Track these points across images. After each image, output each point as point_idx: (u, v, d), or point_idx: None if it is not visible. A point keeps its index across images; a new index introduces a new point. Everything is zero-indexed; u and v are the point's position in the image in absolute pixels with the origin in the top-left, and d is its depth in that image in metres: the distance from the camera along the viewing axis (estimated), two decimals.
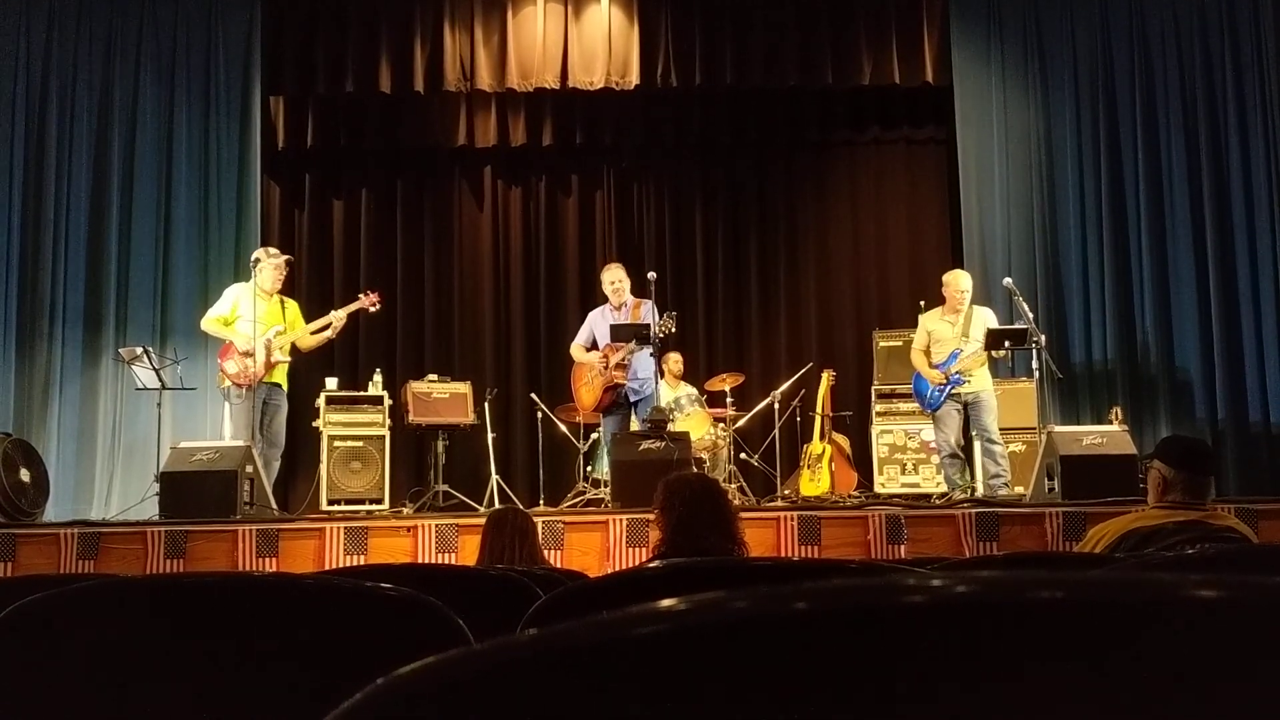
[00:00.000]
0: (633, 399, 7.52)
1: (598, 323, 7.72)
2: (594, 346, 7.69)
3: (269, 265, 7.58)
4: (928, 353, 7.74)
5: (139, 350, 7.81)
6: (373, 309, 8.00)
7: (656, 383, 7.61)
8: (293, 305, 7.81)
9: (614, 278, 7.67)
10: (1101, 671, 0.50)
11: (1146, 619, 0.50)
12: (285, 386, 7.67)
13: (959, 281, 7.82)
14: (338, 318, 7.61)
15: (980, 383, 7.62)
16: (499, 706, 0.52)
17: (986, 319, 7.70)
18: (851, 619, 0.50)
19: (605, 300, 7.79)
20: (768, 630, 0.50)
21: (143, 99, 9.19)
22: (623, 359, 7.37)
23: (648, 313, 7.51)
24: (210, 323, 7.61)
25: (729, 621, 0.50)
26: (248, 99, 9.23)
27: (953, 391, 7.58)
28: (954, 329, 7.68)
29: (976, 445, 7.89)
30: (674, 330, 7.45)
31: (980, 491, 7.58)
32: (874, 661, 0.50)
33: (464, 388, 8.48)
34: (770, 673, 0.50)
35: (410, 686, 0.52)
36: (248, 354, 7.33)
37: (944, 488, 7.96)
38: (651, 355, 7.35)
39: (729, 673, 0.50)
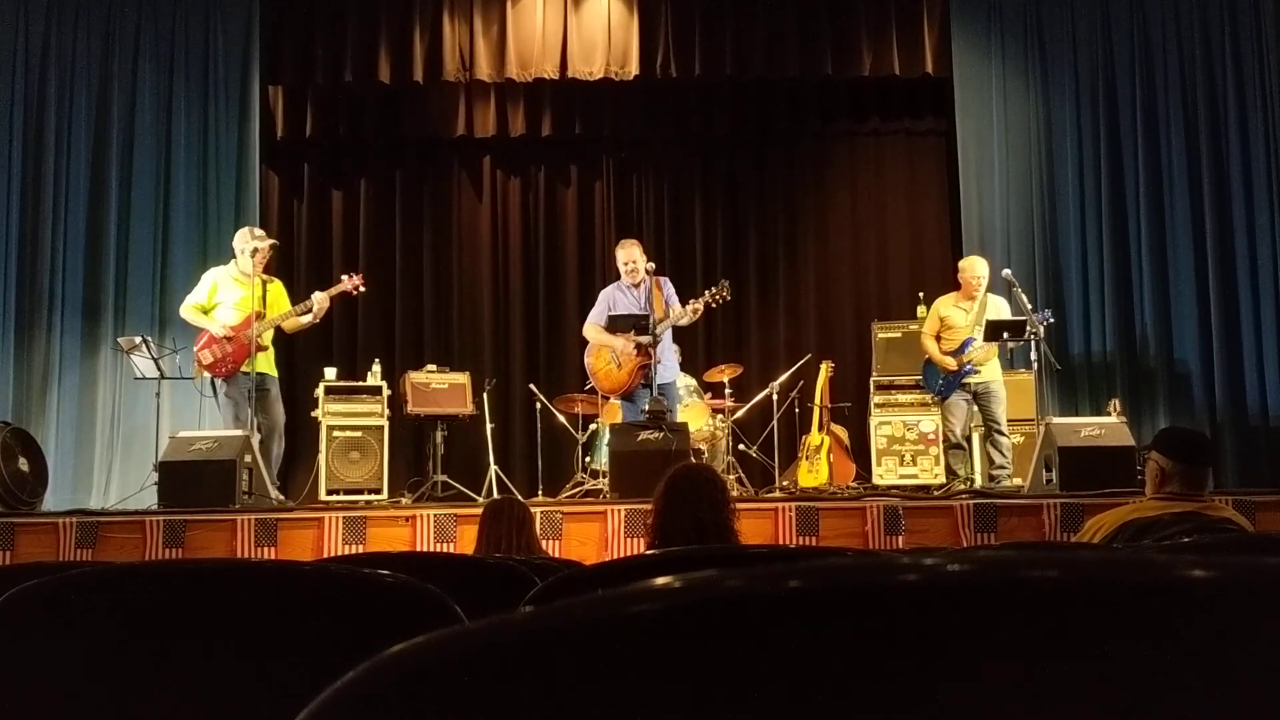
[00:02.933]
0: (657, 381, 7.20)
1: (618, 299, 7.47)
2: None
3: (250, 248, 7.38)
4: (939, 339, 7.73)
5: (138, 340, 7.79)
6: (356, 292, 7.87)
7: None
8: (276, 285, 7.64)
9: (630, 256, 7.42)
10: (1096, 650, 0.50)
11: (1140, 598, 0.50)
12: (275, 373, 7.56)
13: (975, 267, 7.79)
14: (319, 300, 7.43)
15: (991, 372, 7.61)
16: (493, 683, 0.52)
17: (1001, 308, 7.67)
18: (846, 598, 0.50)
19: (617, 277, 7.62)
20: (762, 609, 0.50)
21: (141, 89, 9.18)
22: (659, 335, 7.20)
23: (670, 291, 7.42)
24: (189, 310, 7.44)
25: (723, 600, 0.50)
26: (246, 89, 9.21)
27: (963, 381, 7.58)
28: (968, 316, 7.66)
29: (975, 435, 7.90)
30: (729, 298, 7.36)
31: (979, 483, 7.60)
32: (869, 640, 0.50)
33: (463, 378, 8.48)
34: (764, 651, 0.50)
35: (405, 663, 0.52)
36: (227, 339, 7.24)
37: (943, 479, 7.96)
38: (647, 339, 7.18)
39: (723, 651, 0.50)
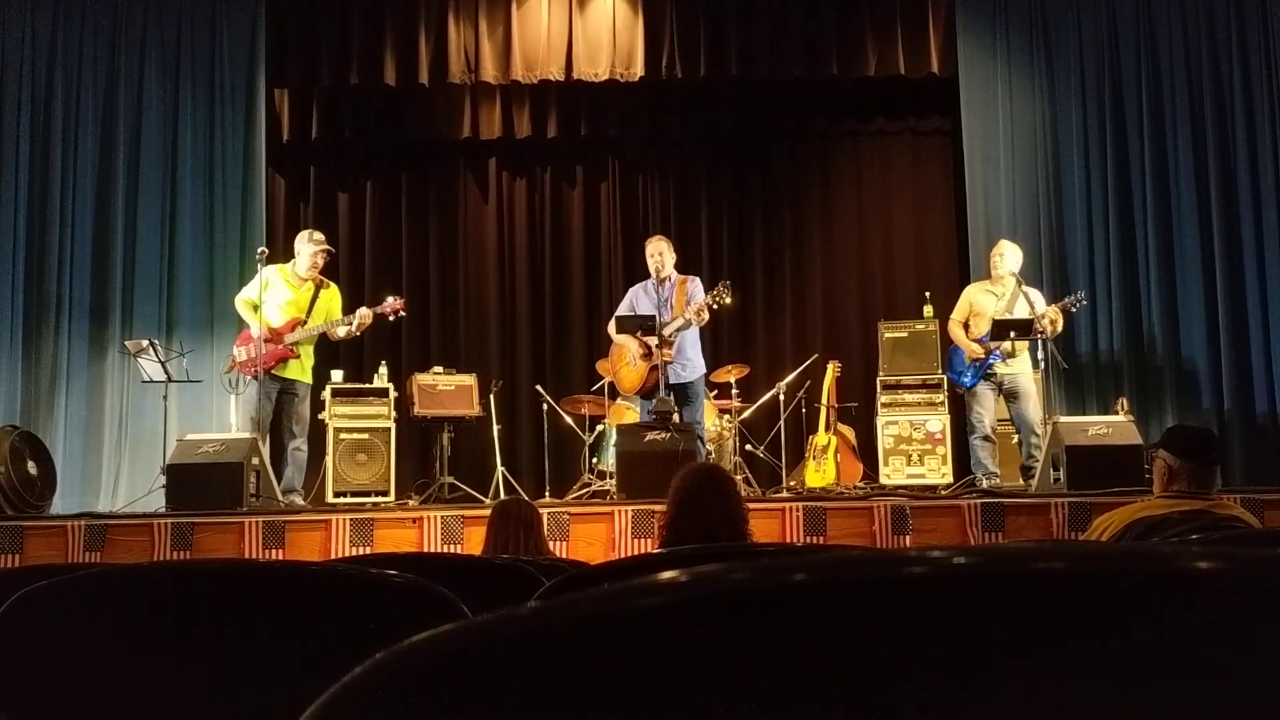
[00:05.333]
0: (672, 380, 7.22)
1: (640, 297, 7.52)
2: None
3: (305, 251, 7.47)
4: (967, 326, 7.70)
5: (145, 343, 7.80)
6: (393, 317, 7.86)
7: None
8: (330, 291, 7.62)
9: (655, 249, 7.47)
10: (1103, 641, 0.50)
11: (1146, 589, 0.50)
12: (307, 380, 7.52)
13: (999, 247, 7.80)
14: (361, 316, 7.41)
15: (1020, 365, 7.53)
16: (499, 677, 0.52)
17: (1035, 299, 7.61)
18: (852, 590, 0.50)
19: (645, 275, 7.63)
20: (767, 601, 0.50)
21: (148, 92, 9.19)
22: (669, 336, 7.20)
23: (695, 290, 7.44)
24: (239, 303, 7.56)
25: (729, 592, 0.50)
26: (252, 91, 9.22)
27: (990, 370, 7.52)
28: (998, 302, 7.61)
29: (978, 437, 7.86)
30: (729, 301, 7.32)
31: (986, 482, 7.58)
32: (876, 633, 0.50)
33: (469, 380, 8.48)
34: (770, 643, 0.50)
35: (411, 658, 0.52)
36: (267, 340, 7.26)
37: (950, 478, 7.94)
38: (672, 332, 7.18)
39: (730, 644, 0.50)
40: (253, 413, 7.28)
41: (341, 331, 7.49)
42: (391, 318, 7.83)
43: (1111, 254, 9.16)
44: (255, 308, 7.34)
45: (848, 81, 9.68)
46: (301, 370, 7.47)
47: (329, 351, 8.89)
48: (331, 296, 7.63)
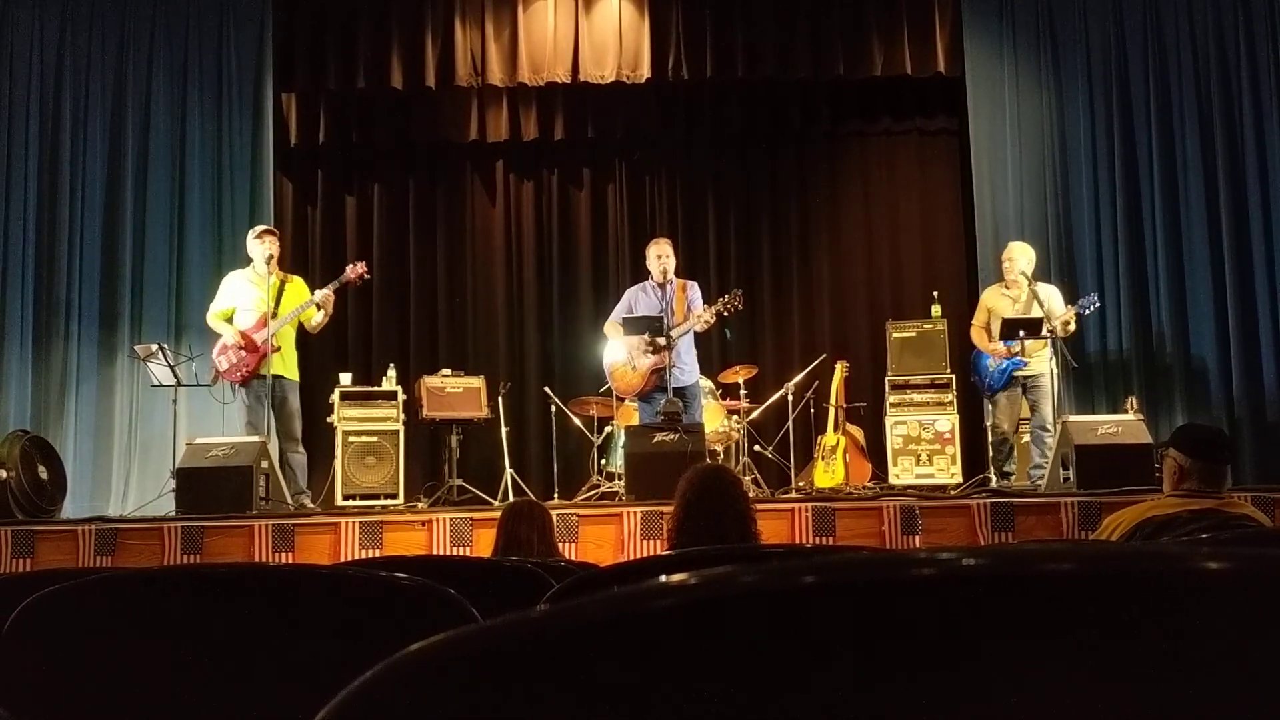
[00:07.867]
0: (673, 385, 7.18)
1: (639, 299, 7.52)
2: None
3: (254, 247, 7.49)
4: (988, 329, 7.71)
5: (154, 347, 7.82)
6: (360, 281, 7.82)
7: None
8: (295, 283, 7.62)
9: (661, 251, 7.46)
10: (1113, 642, 0.50)
11: (1155, 589, 0.50)
12: (294, 377, 7.55)
13: (1008, 251, 7.82)
14: (320, 296, 7.42)
15: (1040, 365, 7.55)
16: (514, 679, 0.52)
17: (1051, 296, 7.61)
18: (861, 592, 0.50)
19: (646, 277, 7.62)
20: (777, 604, 0.50)
21: (155, 97, 9.21)
22: (675, 340, 7.17)
23: (695, 295, 7.44)
24: (211, 318, 7.55)
25: (738, 595, 0.50)
26: (260, 96, 9.24)
27: (1013, 373, 7.54)
28: (1015, 305, 7.62)
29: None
30: (740, 307, 7.32)
31: (997, 480, 7.57)
32: (886, 634, 0.50)
33: (477, 382, 8.49)
34: (780, 646, 0.50)
35: (422, 661, 0.53)
36: (241, 348, 7.27)
37: (959, 478, 7.93)
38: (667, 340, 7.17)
39: (739, 646, 0.51)
40: (249, 418, 7.30)
41: (316, 320, 7.49)
42: (359, 282, 7.84)
43: (1120, 252, 9.14)
44: (229, 319, 7.38)
45: (854, 82, 9.67)
46: (283, 364, 7.44)
47: (336, 354, 8.93)
48: (298, 288, 7.61)
